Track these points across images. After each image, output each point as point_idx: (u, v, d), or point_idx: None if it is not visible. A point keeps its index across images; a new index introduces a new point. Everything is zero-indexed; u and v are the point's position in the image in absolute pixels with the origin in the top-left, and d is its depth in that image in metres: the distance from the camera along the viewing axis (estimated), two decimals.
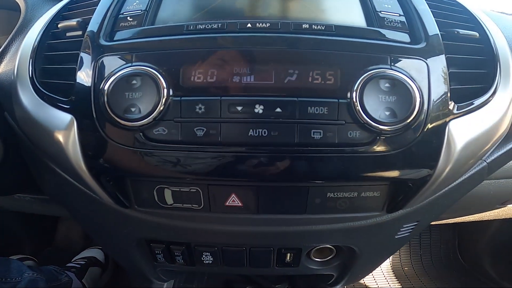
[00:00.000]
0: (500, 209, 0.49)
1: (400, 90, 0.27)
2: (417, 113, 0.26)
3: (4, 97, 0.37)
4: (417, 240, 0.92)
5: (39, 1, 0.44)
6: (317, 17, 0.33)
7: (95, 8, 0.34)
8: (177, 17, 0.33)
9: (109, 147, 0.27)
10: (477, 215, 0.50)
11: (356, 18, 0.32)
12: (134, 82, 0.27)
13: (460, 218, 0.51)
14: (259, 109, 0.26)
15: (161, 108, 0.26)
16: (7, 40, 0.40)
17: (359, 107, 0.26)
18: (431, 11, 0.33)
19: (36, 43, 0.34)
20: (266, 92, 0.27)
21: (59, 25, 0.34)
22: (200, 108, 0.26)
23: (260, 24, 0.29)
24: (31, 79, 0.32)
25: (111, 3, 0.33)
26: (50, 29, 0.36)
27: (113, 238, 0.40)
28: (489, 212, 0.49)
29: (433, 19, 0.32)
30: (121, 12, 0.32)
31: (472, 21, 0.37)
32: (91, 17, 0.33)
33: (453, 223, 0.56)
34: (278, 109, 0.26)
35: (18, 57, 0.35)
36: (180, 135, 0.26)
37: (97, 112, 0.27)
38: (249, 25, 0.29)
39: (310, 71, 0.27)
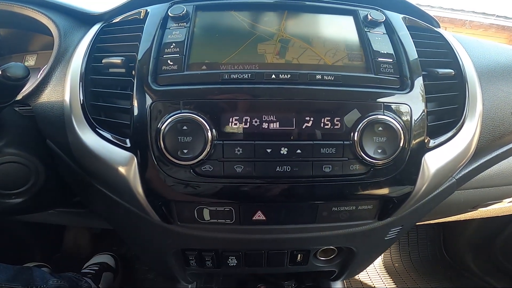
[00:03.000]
0: (473, 212, 0.65)
1: (389, 132, 0.39)
2: (400, 150, 0.40)
3: (46, 125, 0.46)
4: (406, 239, 1.10)
5: (70, 27, 0.49)
6: (325, 63, 0.44)
7: (133, 44, 0.43)
8: (208, 59, 0.42)
9: (165, 180, 0.39)
10: (454, 217, 0.67)
11: (357, 62, 0.44)
12: (184, 128, 0.38)
13: (440, 219, 0.67)
14: (284, 151, 0.38)
15: (208, 150, 0.38)
16: (46, 69, 0.46)
17: (358, 148, 0.39)
18: (417, 50, 0.45)
19: (82, 78, 0.42)
20: (289, 136, 0.39)
21: (103, 61, 0.42)
22: (238, 150, 0.38)
23: (282, 75, 0.41)
24: (85, 115, 0.41)
25: (151, 44, 0.41)
26: (92, 63, 0.44)
27: (154, 248, 0.52)
28: (464, 214, 0.65)
29: (418, 61, 0.44)
30: (161, 55, 0.42)
31: (450, 55, 0.49)
32: (131, 54, 0.42)
33: (437, 223, 0.72)
34: (299, 151, 0.38)
35: (68, 91, 0.43)
36: (223, 172, 0.38)
37: (155, 153, 0.38)
38: (273, 76, 0.41)
39: (322, 118, 0.39)
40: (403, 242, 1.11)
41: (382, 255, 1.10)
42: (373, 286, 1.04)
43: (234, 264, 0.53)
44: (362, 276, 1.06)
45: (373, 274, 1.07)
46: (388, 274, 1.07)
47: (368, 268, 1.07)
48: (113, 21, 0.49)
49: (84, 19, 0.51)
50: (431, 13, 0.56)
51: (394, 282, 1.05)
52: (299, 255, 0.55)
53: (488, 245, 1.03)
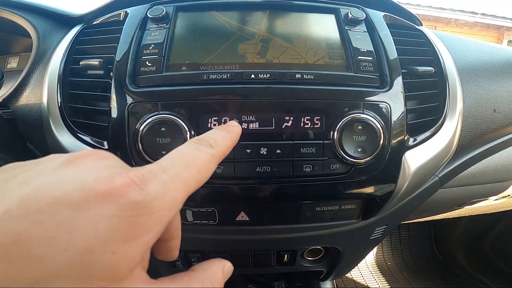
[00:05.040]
0: (459, 210, 0.66)
1: (369, 131, 0.39)
2: (381, 149, 0.40)
3: (26, 128, 0.46)
4: (397, 237, 1.11)
5: (49, 29, 0.49)
6: (306, 62, 0.44)
7: (112, 46, 0.42)
8: (188, 60, 0.42)
9: None
10: (441, 215, 0.67)
11: (338, 61, 0.44)
12: (163, 129, 0.37)
13: (427, 218, 0.67)
14: (263, 151, 0.38)
15: None
16: (24, 72, 0.46)
17: (338, 147, 0.39)
18: (397, 48, 0.45)
19: (59, 80, 0.42)
20: (268, 136, 0.38)
21: (80, 63, 0.42)
22: None
23: (262, 75, 0.41)
24: (62, 117, 0.41)
25: (130, 45, 0.41)
26: (70, 65, 0.44)
27: None
28: (450, 212, 0.66)
29: (398, 59, 0.44)
30: (140, 56, 0.42)
31: (430, 53, 0.49)
32: (109, 56, 0.42)
33: (427, 220, 0.73)
34: (278, 151, 0.38)
35: (45, 94, 0.42)
36: None
37: (133, 154, 0.38)
38: (252, 75, 0.40)
39: (302, 117, 0.39)
40: (395, 240, 1.11)
41: (375, 253, 1.10)
42: (366, 285, 1.04)
43: None
44: (355, 275, 1.06)
45: (366, 273, 1.07)
46: (380, 272, 1.07)
47: (360, 266, 1.08)
48: (93, 23, 0.49)
49: (64, 21, 0.51)
50: (419, 11, 0.57)
51: (387, 281, 1.05)
52: (285, 256, 0.54)
53: (479, 243, 1.04)
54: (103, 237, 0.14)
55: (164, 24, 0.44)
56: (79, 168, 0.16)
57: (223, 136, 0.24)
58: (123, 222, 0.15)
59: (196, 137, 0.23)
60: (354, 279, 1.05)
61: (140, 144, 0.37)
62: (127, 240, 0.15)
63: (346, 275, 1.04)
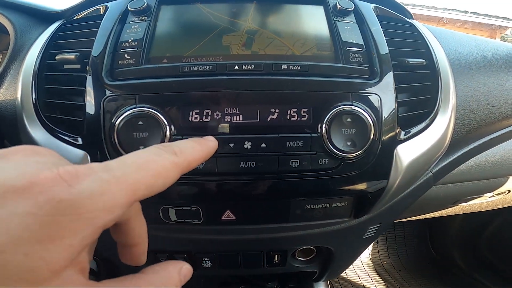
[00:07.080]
0: (454, 208, 0.63)
1: (359, 124, 0.37)
2: (371, 142, 0.37)
3: (2, 125, 0.43)
4: (393, 235, 1.07)
5: (27, 26, 0.47)
6: (294, 53, 0.42)
7: (89, 40, 0.40)
8: (170, 53, 0.40)
9: None
10: (435, 213, 0.64)
11: (326, 52, 0.41)
12: (140, 123, 0.34)
13: (422, 216, 0.64)
14: (247, 145, 0.35)
15: None
16: (0, 69, 0.44)
17: (326, 140, 0.36)
18: (387, 40, 0.42)
19: (35, 75, 0.39)
20: (253, 129, 0.36)
21: (56, 57, 0.39)
22: None
23: (246, 66, 0.38)
24: (37, 112, 0.38)
25: (108, 39, 0.39)
26: (46, 59, 0.41)
27: None
28: (445, 210, 0.63)
29: (388, 51, 0.42)
30: (118, 49, 0.39)
31: (421, 45, 0.46)
32: (87, 50, 0.39)
33: (422, 219, 0.70)
34: (263, 144, 0.35)
35: (19, 89, 0.40)
36: None
37: (109, 151, 0.35)
38: (236, 67, 0.38)
39: (288, 109, 0.36)
40: (390, 239, 1.08)
41: (370, 252, 1.07)
42: (361, 284, 1.00)
43: (209, 266, 0.50)
44: (351, 274, 1.03)
45: (362, 272, 1.04)
46: (376, 272, 1.04)
47: (356, 266, 1.04)
48: (74, 18, 0.46)
49: (44, 17, 0.48)
50: (412, 11, 0.54)
51: (382, 280, 1.01)
52: (276, 256, 0.51)
53: (473, 241, 1.01)
54: (13, 237, 0.12)
55: (145, 17, 0.41)
56: (8, 164, 0.15)
57: (193, 147, 0.22)
58: (38, 221, 0.13)
59: (161, 144, 0.21)
60: (350, 278, 1.01)
61: (116, 139, 0.34)
62: (42, 242, 0.13)
63: (342, 274, 1.00)
